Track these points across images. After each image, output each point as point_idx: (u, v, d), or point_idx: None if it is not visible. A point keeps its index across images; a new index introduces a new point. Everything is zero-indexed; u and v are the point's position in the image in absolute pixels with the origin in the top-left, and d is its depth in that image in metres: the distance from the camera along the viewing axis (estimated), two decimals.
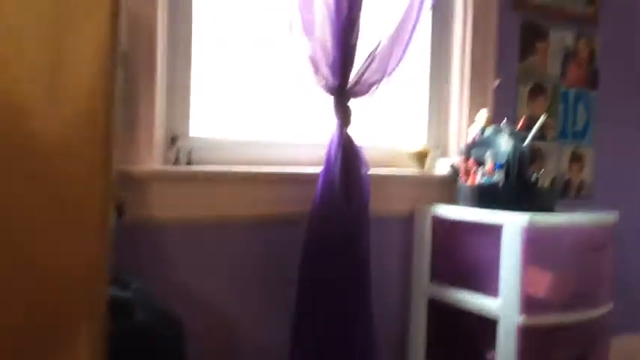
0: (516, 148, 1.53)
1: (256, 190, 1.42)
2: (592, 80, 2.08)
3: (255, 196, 1.42)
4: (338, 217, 1.40)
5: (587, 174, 2.09)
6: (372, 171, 1.50)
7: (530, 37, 1.93)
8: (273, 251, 1.47)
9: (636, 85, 2.23)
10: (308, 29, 1.40)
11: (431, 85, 1.78)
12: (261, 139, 1.56)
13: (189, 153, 1.40)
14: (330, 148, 1.43)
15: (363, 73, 1.45)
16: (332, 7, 1.41)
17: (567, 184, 2.04)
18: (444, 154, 1.77)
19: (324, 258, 1.41)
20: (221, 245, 1.41)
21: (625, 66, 2.17)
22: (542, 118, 1.56)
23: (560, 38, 1.99)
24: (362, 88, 1.46)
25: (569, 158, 2.04)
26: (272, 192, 1.43)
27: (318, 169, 1.43)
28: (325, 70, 1.40)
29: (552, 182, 1.60)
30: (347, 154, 1.42)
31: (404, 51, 1.52)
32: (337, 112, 1.42)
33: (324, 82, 1.41)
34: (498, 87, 1.81)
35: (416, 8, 1.54)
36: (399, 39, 1.51)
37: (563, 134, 2.02)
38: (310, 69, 1.39)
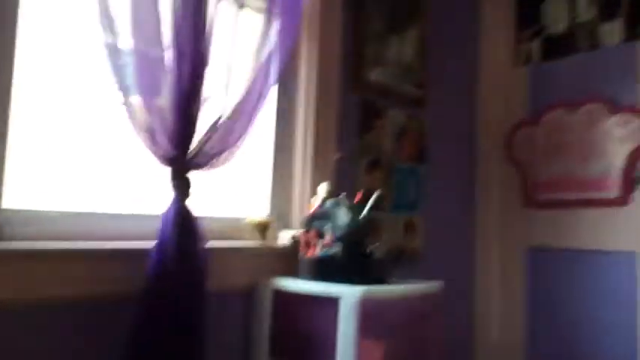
0: (354, 221, 1.59)
1: (80, 268, 1.28)
2: (421, 156, 2.27)
3: (79, 275, 1.28)
4: (172, 294, 1.32)
5: (418, 242, 2.24)
6: (211, 244, 1.45)
7: (369, 115, 2.07)
8: (99, 335, 1.33)
9: (457, 161, 2.48)
10: (146, 96, 1.34)
11: (274, 158, 1.81)
12: (86, 210, 1.43)
13: (0, 227, 1.24)
14: (164, 221, 1.35)
15: (204, 144, 1.42)
16: (173, 75, 1.38)
17: (401, 253, 2.16)
18: (287, 225, 1.78)
19: (156, 339, 1.31)
20: (40, 331, 1.25)
21: (448, 143, 2.42)
22: (376, 193, 1.65)
23: (395, 117, 2.16)
24: (203, 160, 1.42)
25: (403, 227, 2.19)
26: (98, 270, 1.31)
27: (151, 244, 1.34)
28: (163, 141, 1.34)
29: (387, 253, 1.69)
30: (183, 227, 1.36)
31: (248, 123, 1.53)
32: (174, 184, 1.37)
33: (160, 152, 1.35)
34: (339, 161, 1.89)
35: (260, 82, 1.57)
36: (244, 111, 1.52)
37: (397, 205, 2.16)
38: (146, 138, 1.33)
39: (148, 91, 1.34)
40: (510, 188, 2.46)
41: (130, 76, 1.31)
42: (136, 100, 1.32)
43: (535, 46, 2.42)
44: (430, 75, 2.30)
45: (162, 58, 1.37)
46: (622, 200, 2.13)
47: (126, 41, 1.32)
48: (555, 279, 2.30)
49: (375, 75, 2.08)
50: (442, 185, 2.36)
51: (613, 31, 2.20)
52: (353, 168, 1.99)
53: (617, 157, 2.15)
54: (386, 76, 2.13)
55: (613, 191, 2.15)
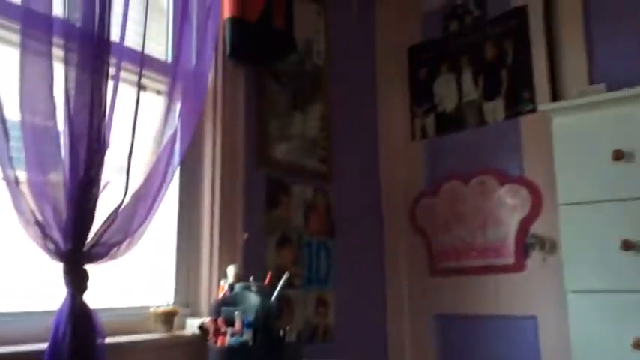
0: (264, 305, 1.54)
1: None
2: (330, 230, 2.29)
3: None
4: None
5: (331, 318, 2.22)
6: (111, 339, 1.34)
7: (275, 191, 2.07)
8: None
9: (365, 233, 2.53)
10: (36, 187, 1.25)
11: (179, 241, 1.74)
12: None
13: None
14: (57, 320, 1.24)
15: (102, 235, 1.34)
16: (69, 160, 1.31)
17: (314, 330, 2.12)
18: (195, 313, 1.70)
19: None
20: None
21: (356, 216, 2.46)
22: (285, 275, 1.62)
23: (301, 192, 2.18)
24: (101, 250, 1.34)
25: (315, 304, 2.16)
26: None
27: (43, 346, 1.22)
28: (56, 235, 1.25)
29: (299, 335, 1.65)
30: (79, 325, 1.25)
31: (150, 208, 1.48)
32: (69, 279, 1.26)
33: (53, 247, 1.25)
34: (247, 240, 1.86)
35: (163, 164, 1.53)
36: (146, 196, 1.47)
37: (308, 281, 2.14)
38: (36, 233, 1.23)
39: (41, 182, 1.25)
40: (417, 258, 2.53)
41: (21, 167, 1.23)
42: (26, 192, 1.23)
43: (429, 121, 2.58)
44: (334, 150, 2.36)
45: (56, 138, 1.29)
46: (518, 266, 2.25)
47: (14, 113, 1.24)
48: (462, 345, 2.35)
49: (280, 151, 2.10)
50: (352, 258, 2.38)
51: (496, 110, 2.40)
52: (262, 246, 1.96)
53: (510, 225, 2.30)
54: (291, 153, 2.15)
55: (510, 257, 2.28)
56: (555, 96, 2.26)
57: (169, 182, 1.53)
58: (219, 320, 1.54)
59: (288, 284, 1.61)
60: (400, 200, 2.60)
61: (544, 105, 2.11)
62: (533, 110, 2.26)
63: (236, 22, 1.85)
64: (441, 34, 2.59)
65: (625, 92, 1.89)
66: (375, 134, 2.67)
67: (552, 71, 2.30)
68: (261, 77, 2.07)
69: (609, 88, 2.02)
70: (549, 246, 2.17)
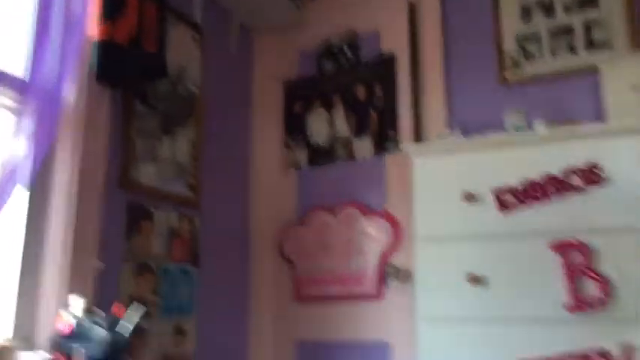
0: (113, 340, 1.47)
1: None
2: (194, 257, 2.25)
3: None
4: None
5: (189, 347, 2.16)
6: None
7: (136, 216, 2.00)
8: None
9: (230, 261, 2.52)
10: None
11: (23, 271, 1.61)
12: None
13: None
14: None
15: None
16: None
17: None
18: (32, 346, 1.58)
19: None
20: None
21: (222, 244, 2.45)
22: (140, 310, 1.56)
23: (165, 218, 2.13)
24: None
25: (173, 333, 2.10)
26: None
27: None
28: None
29: None
30: None
31: None
32: None
33: None
34: (101, 269, 1.77)
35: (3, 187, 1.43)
36: None
37: (166, 310, 2.07)
38: None
39: None
40: (282, 285, 2.56)
41: None
42: None
43: (302, 153, 2.65)
44: (204, 177, 2.34)
45: None
46: (377, 294, 2.36)
47: None
48: None
49: (144, 175, 2.04)
50: (216, 286, 2.35)
51: (364, 146, 2.52)
52: (117, 275, 1.87)
53: (372, 255, 2.41)
54: (157, 177, 2.09)
55: (370, 286, 2.38)
56: (418, 137, 2.42)
57: (11, 202, 1.42)
58: (58, 355, 1.44)
59: (144, 315, 1.55)
60: (269, 229, 2.63)
61: (406, 146, 2.25)
62: (398, 149, 2.41)
63: (105, 44, 1.78)
64: (316, 72, 2.69)
65: (476, 140, 2.07)
66: (247, 163, 2.69)
67: (416, 114, 2.46)
68: (129, 99, 2.01)
69: (464, 133, 2.21)
70: (405, 276, 2.30)
